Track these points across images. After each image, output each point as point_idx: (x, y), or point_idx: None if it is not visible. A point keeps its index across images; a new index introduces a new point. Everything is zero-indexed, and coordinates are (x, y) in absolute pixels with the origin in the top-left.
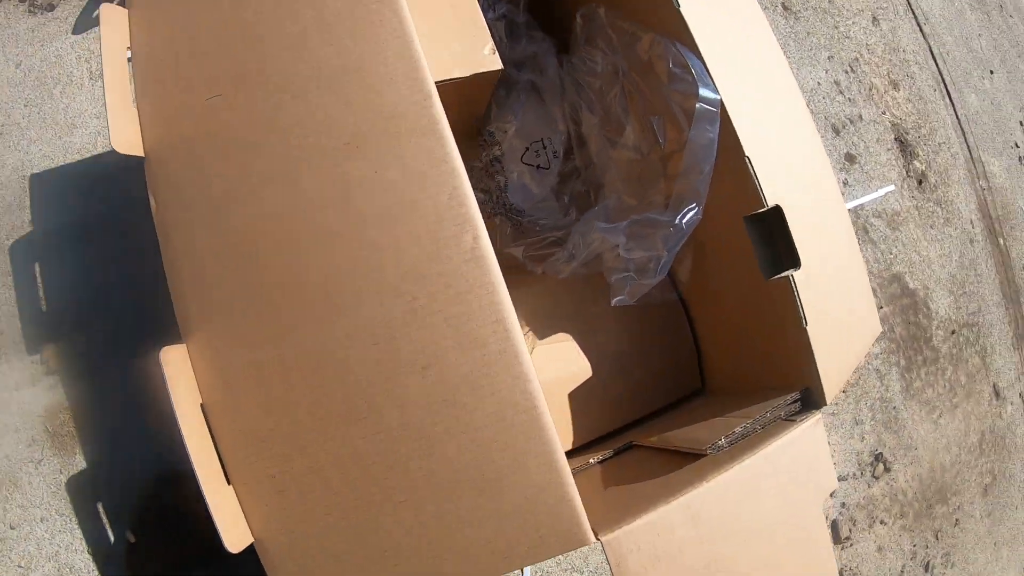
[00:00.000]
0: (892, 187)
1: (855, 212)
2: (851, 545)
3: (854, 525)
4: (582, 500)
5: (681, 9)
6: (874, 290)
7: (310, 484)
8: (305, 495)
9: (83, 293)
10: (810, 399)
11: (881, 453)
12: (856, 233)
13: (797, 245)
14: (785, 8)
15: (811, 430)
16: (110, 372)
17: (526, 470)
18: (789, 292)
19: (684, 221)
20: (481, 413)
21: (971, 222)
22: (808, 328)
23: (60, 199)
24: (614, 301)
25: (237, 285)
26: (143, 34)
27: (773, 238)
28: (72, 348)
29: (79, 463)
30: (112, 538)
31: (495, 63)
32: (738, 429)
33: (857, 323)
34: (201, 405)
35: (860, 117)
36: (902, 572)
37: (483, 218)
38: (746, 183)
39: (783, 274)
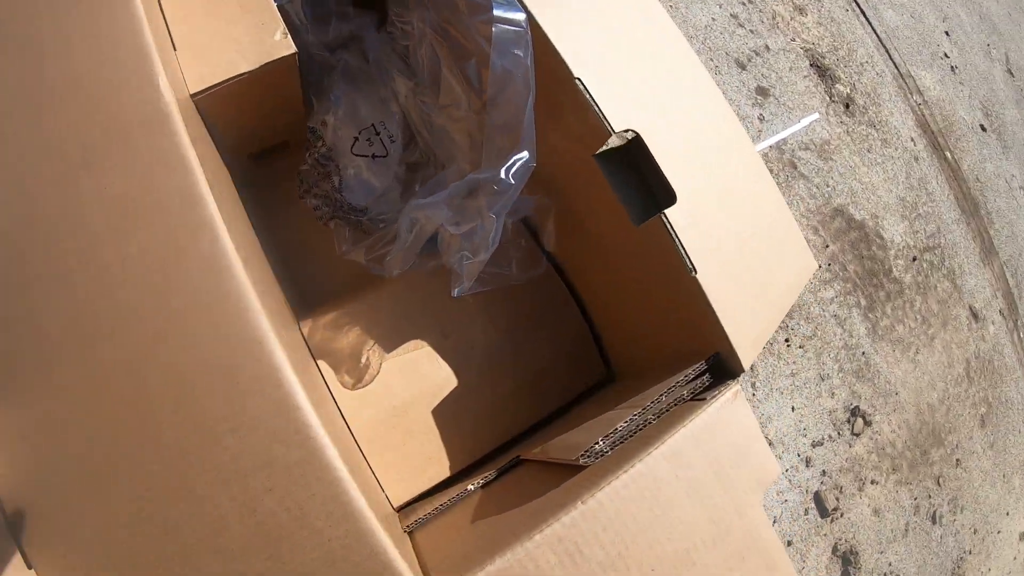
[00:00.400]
0: (816, 115)
1: (778, 147)
2: (841, 516)
3: (841, 493)
4: (441, 541)
5: None
6: (815, 228)
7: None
8: None
9: None
10: (723, 367)
11: (857, 407)
12: (783, 170)
13: (670, 177)
14: None
15: (728, 407)
16: None
17: (311, 525)
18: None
19: (512, 174)
20: (248, 457)
21: (911, 139)
22: (699, 277)
23: None
24: (454, 291)
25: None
26: None
27: (641, 175)
28: None
29: None
30: None
31: (287, 47)
32: (621, 425)
33: (777, 262)
34: None
35: (767, 48)
36: (907, 530)
37: (323, 222)
38: (587, 115)
39: (656, 215)
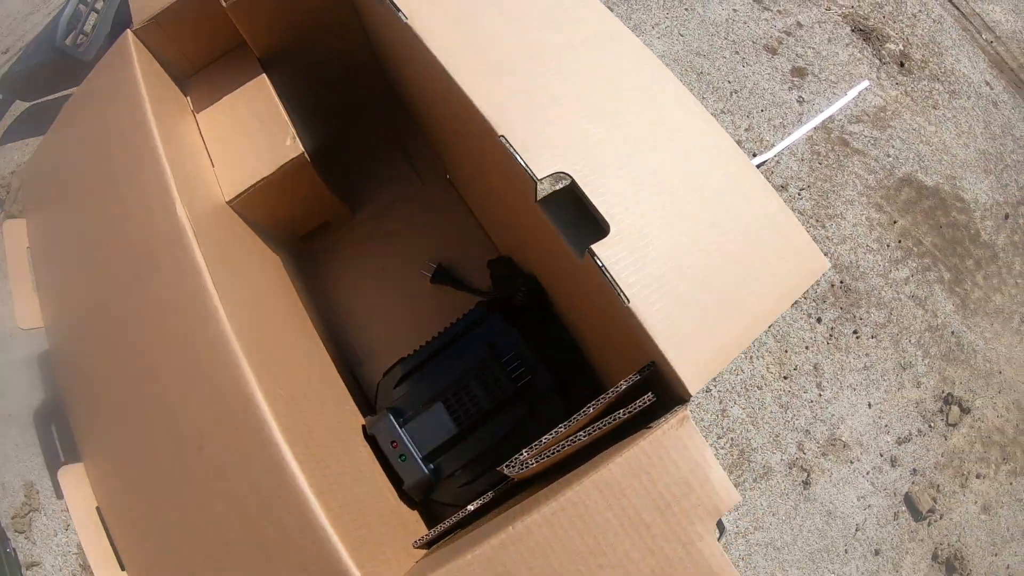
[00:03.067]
0: (866, 83)
1: (824, 128)
2: (940, 518)
3: (938, 492)
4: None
5: None
6: (879, 205)
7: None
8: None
9: None
10: (669, 391)
11: (951, 394)
12: (833, 150)
13: (600, 206)
14: None
15: (672, 434)
16: None
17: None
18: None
19: None
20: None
21: (986, 84)
22: (632, 306)
23: None
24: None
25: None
26: (37, 234)
27: (583, 212)
28: None
29: None
30: None
31: (295, 150)
32: (547, 437)
33: (759, 272)
34: (96, 508)
35: (798, 24)
36: None
37: None
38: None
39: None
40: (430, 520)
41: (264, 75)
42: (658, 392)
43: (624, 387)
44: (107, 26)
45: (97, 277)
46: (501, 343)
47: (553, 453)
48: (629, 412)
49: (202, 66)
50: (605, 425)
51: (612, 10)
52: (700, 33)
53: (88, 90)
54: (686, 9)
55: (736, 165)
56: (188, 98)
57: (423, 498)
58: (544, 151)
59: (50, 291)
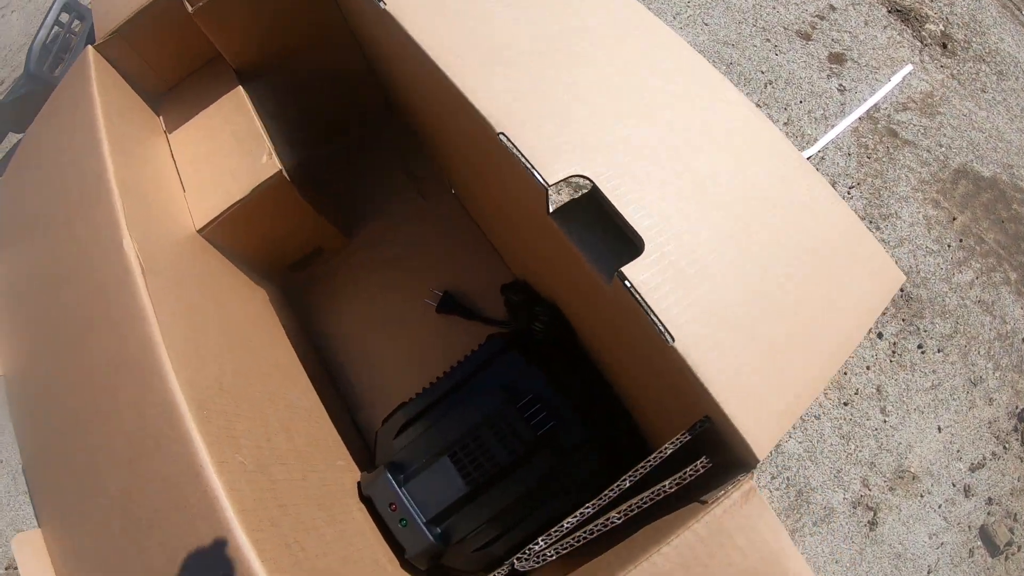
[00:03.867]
0: (909, 67)
1: (870, 117)
2: (1018, 550)
3: (1016, 522)
4: None
5: None
6: (935, 201)
7: None
8: None
9: None
10: (729, 454)
11: None
12: (882, 141)
13: (630, 217)
14: None
15: (735, 514)
16: None
17: None
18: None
19: None
20: None
21: None
22: (677, 346)
23: None
24: None
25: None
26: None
27: (609, 226)
28: None
29: None
30: None
31: (271, 168)
32: (569, 522)
33: (831, 290)
34: None
35: (831, 7)
36: None
37: None
38: (515, 167)
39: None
40: None
41: (240, 88)
42: (713, 454)
43: (670, 451)
44: (83, 47)
45: (51, 328)
46: (520, 384)
47: (579, 541)
48: (677, 484)
49: (176, 82)
50: (645, 503)
51: None
52: (726, 21)
53: (46, 114)
54: None
55: (792, 165)
56: (160, 118)
57: (429, 566)
58: (556, 152)
59: (10, 339)
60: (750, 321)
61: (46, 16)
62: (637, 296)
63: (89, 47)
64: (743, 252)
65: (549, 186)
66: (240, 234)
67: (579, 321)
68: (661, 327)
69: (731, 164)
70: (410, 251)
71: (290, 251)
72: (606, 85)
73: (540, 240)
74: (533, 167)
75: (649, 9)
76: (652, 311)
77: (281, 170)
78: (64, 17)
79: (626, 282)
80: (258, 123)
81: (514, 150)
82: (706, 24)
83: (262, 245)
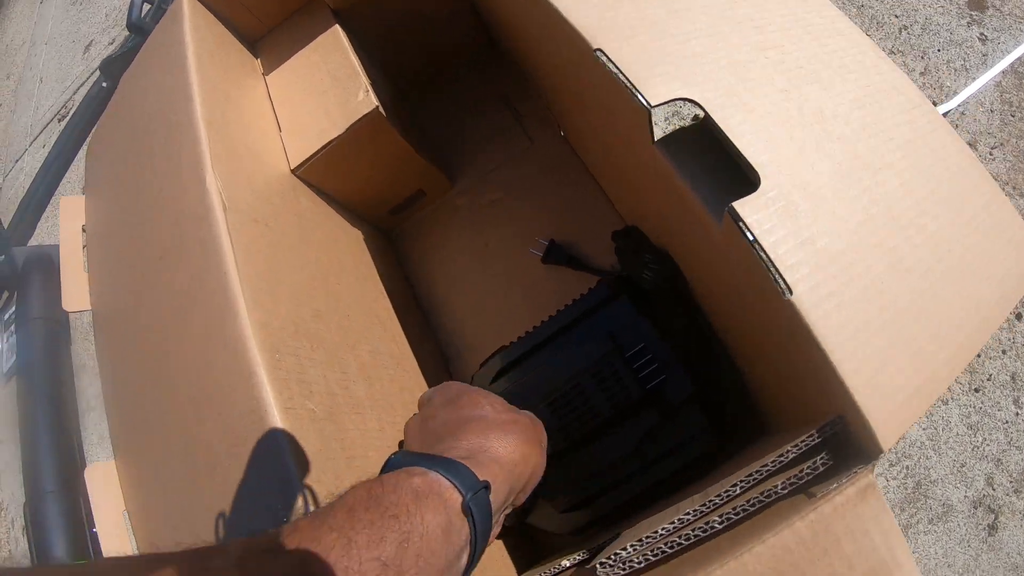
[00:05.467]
0: None
1: (1015, 72)
2: None
3: None
4: None
5: None
6: None
7: None
8: None
9: None
10: (853, 442)
11: None
12: None
13: (745, 150)
14: None
15: (848, 512)
16: None
17: None
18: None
19: None
20: None
21: None
22: (795, 299)
23: None
24: None
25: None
26: (91, 212)
27: (721, 158)
28: None
29: None
30: None
31: (368, 104)
32: (664, 528)
33: (968, 263)
34: (124, 512)
35: None
36: None
37: None
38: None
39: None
40: (519, 548)
41: (338, 27)
42: (830, 442)
43: (793, 455)
44: None
45: (133, 264)
46: (627, 334)
47: (672, 547)
48: (792, 485)
49: (275, 24)
50: (753, 507)
51: None
52: None
53: (142, 57)
54: None
55: (923, 115)
56: (259, 60)
57: (514, 523)
58: (659, 70)
59: (100, 274)
60: (876, 282)
61: None
62: (751, 240)
63: None
64: (866, 197)
65: (651, 108)
66: (336, 174)
67: (691, 271)
68: (777, 275)
69: (853, 102)
70: (514, 195)
71: (390, 194)
72: (715, 4)
73: (646, 178)
74: (633, 85)
75: None
76: (767, 256)
77: (378, 106)
78: None
79: (740, 223)
80: (355, 61)
81: (613, 68)
82: None
83: (359, 186)
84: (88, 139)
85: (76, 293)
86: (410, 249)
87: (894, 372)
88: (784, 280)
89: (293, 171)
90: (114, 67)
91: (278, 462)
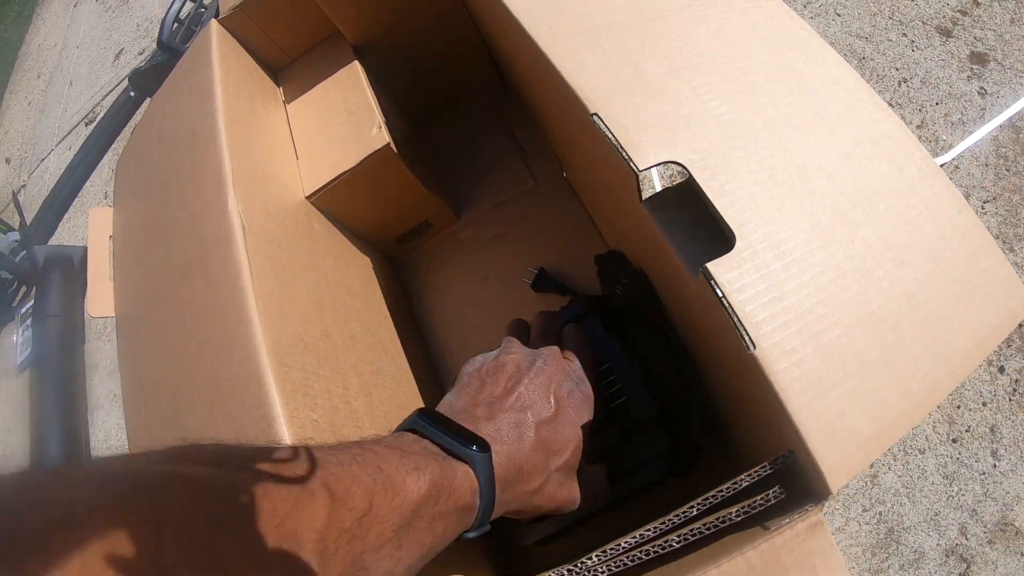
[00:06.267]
0: None
1: (1012, 126)
2: None
3: None
4: None
5: None
6: None
7: None
8: None
9: None
10: (804, 482)
11: None
12: None
13: (724, 211)
14: None
15: (795, 545)
16: None
17: None
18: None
19: None
20: None
21: None
22: (757, 354)
23: None
24: None
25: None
26: (119, 224)
27: (702, 216)
28: None
29: None
30: None
31: (380, 140)
32: (626, 542)
33: (945, 313)
34: None
35: (975, 2)
36: None
37: None
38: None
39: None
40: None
41: (357, 63)
42: (785, 478)
43: (746, 483)
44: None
45: (156, 275)
46: (595, 352)
47: (633, 561)
48: (745, 513)
49: (297, 55)
50: (708, 530)
51: None
52: (860, 12)
53: (172, 80)
54: None
55: (914, 163)
56: (280, 88)
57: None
58: (650, 134)
59: (124, 284)
60: (841, 334)
61: None
62: (721, 297)
63: (214, 20)
64: (842, 254)
65: (639, 171)
66: (348, 203)
67: (667, 297)
68: (743, 333)
69: (839, 156)
70: (516, 229)
71: (397, 223)
72: (707, 61)
73: (633, 230)
74: (624, 150)
75: None
76: (735, 315)
77: (389, 143)
78: None
79: (711, 281)
80: (371, 97)
81: (607, 132)
82: (839, 15)
83: (369, 215)
84: (116, 150)
85: (102, 299)
86: (415, 276)
87: (851, 420)
88: (749, 336)
89: (307, 198)
90: (142, 79)
91: None
